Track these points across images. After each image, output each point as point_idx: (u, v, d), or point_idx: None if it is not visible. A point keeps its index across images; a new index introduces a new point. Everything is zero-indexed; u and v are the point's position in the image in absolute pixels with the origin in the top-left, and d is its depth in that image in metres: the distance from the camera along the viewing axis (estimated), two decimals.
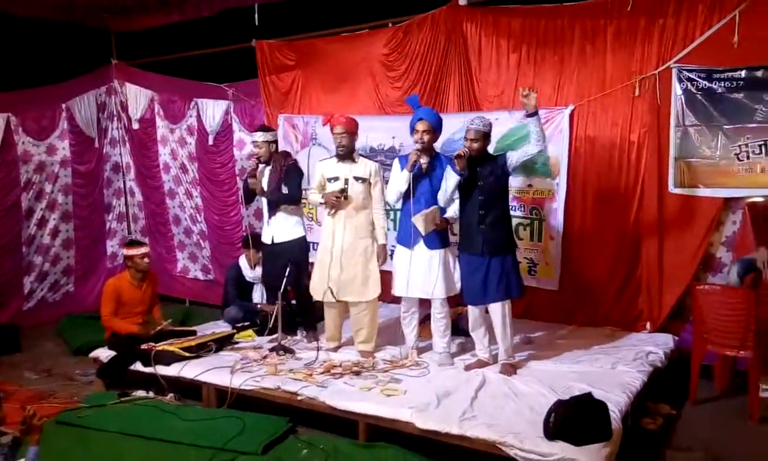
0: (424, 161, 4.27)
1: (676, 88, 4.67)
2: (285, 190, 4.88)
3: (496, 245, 4.07)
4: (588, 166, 5.05)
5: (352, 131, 4.58)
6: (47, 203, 6.89)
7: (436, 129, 4.34)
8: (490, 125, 4.14)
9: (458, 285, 4.41)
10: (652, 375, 4.18)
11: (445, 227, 4.38)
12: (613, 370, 4.14)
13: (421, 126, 4.27)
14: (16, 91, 6.52)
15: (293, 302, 5.27)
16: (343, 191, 4.48)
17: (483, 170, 4.11)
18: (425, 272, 4.33)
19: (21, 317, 6.58)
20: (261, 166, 4.97)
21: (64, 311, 6.85)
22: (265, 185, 4.94)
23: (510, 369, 4.12)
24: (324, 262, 4.64)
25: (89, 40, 7.20)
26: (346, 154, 4.59)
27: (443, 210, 4.35)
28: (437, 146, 5.33)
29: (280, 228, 4.94)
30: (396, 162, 4.51)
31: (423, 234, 4.27)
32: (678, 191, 4.73)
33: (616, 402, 3.54)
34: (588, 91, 5.01)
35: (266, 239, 5.02)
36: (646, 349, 4.48)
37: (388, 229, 4.92)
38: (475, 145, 4.06)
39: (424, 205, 4.29)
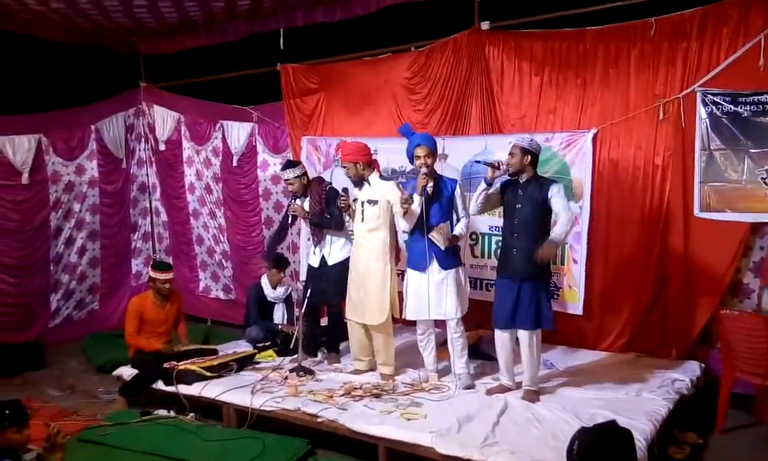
0: (429, 185, 4.28)
1: (701, 112, 4.63)
2: (328, 216, 4.94)
3: (528, 272, 4.00)
4: (612, 189, 5.01)
5: (351, 160, 4.62)
6: (75, 222, 7.03)
7: (435, 152, 4.39)
8: (532, 142, 4.08)
9: (467, 304, 4.41)
10: (679, 403, 4.10)
11: (455, 243, 4.36)
12: (638, 397, 4.07)
13: (421, 151, 4.32)
14: (48, 112, 6.69)
15: (323, 321, 5.27)
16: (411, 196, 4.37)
17: (524, 193, 4.09)
18: (437, 293, 4.33)
19: (47, 335, 6.67)
20: (299, 200, 5.02)
21: (89, 329, 6.94)
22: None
23: (533, 396, 4.07)
24: (350, 282, 4.70)
25: (118, 63, 7.38)
26: (357, 181, 4.65)
27: (452, 227, 4.37)
28: (457, 168, 5.40)
29: (330, 251, 4.98)
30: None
31: (442, 248, 4.26)
32: (704, 215, 4.67)
33: (641, 430, 3.48)
34: (611, 115, 4.99)
35: (314, 262, 5.04)
36: (672, 376, 4.40)
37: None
38: (512, 160, 4.06)
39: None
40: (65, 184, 6.92)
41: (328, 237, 4.99)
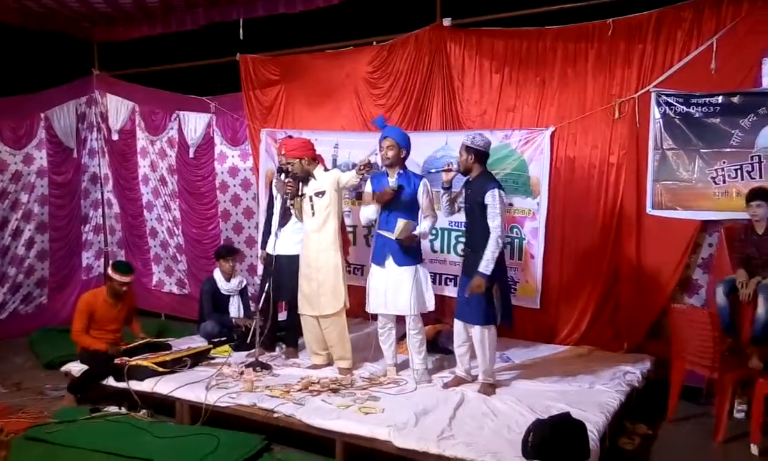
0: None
1: (655, 112, 4.75)
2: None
3: (473, 270, 4.00)
4: (568, 186, 5.10)
5: (294, 156, 4.59)
6: (23, 213, 6.78)
7: (401, 145, 4.36)
8: (475, 139, 4.07)
9: (431, 302, 4.41)
10: (630, 395, 4.20)
11: (413, 241, 4.35)
12: (591, 389, 4.15)
13: (385, 143, 4.35)
14: None
15: (280, 316, 5.21)
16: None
17: (468, 191, 4.14)
18: (396, 289, 4.32)
19: None
20: (282, 176, 4.81)
21: (37, 323, 6.71)
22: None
23: (489, 389, 4.10)
24: (302, 277, 4.67)
25: (71, 49, 7.14)
26: (303, 177, 4.62)
27: (415, 226, 4.36)
28: (418, 163, 5.42)
29: (284, 241, 4.90)
30: (368, 182, 4.51)
31: (393, 237, 4.24)
32: (656, 212, 4.80)
33: (594, 421, 3.54)
34: (569, 113, 5.07)
35: (270, 249, 4.97)
36: (623, 369, 4.50)
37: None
38: (459, 159, 4.12)
39: (394, 222, 4.26)
40: (12, 173, 6.66)
41: (288, 227, 4.93)
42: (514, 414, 3.73)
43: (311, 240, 4.63)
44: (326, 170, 4.83)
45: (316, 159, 4.72)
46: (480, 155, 4.09)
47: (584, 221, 5.07)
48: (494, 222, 3.95)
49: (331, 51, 6.10)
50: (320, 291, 4.57)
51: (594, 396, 4.00)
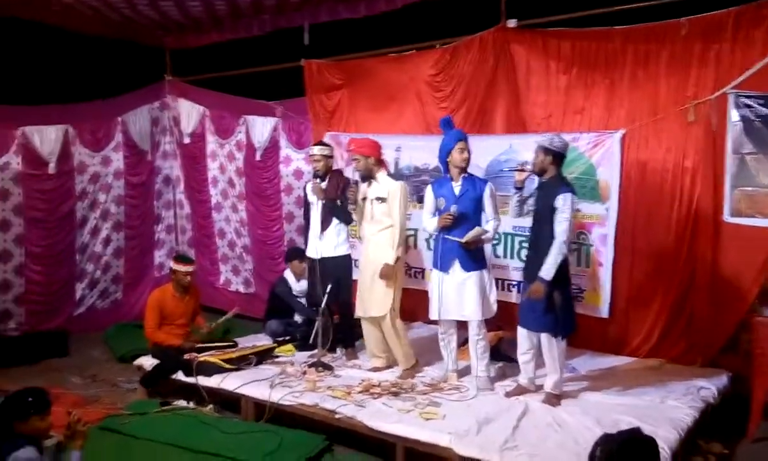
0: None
1: (733, 115, 4.51)
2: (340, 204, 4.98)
3: (536, 277, 3.93)
4: (639, 191, 4.92)
5: (362, 154, 4.62)
6: (100, 212, 7.11)
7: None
8: (552, 140, 3.98)
9: (494, 307, 4.37)
10: (704, 412, 4.01)
11: (478, 245, 4.29)
12: (663, 404, 3.99)
13: (465, 145, 4.29)
14: (76, 103, 6.77)
15: (335, 318, 5.28)
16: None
17: (539, 193, 4.06)
18: (459, 294, 4.29)
19: (71, 323, 6.76)
20: (318, 180, 5.02)
21: (112, 318, 7.03)
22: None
23: (554, 400, 4.00)
24: (359, 279, 4.74)
25: (145, 56, 7.44)
26: (365, 176, 4.66)
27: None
28: (481, 166, 5.35)
29: (328, 244, 4.99)
30: (429, 189, 4.49)
31: (462, 242, 4.19)
32: (734, 220, 4.56)
33: (665, 438, 3.40)
34: (640, 116, 4.89)
35: (313, 253, 5.05)
36: (697, 384, 4.30)
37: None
38: (534, 160, 4.04)
39: (459, 228, 4.23)
40: (91, 175, 7.00)
41: (330, 230, 4.99)
42: (580, 426, 3.63)
43: (370, 243, 4.68)
44: (389, 175, 4.82)
45: (381, 162, 4.74)
46: (558, 156, 4.00)
47: (656, 227, 4.88)
48: (560, 227, 3.86)
49: (394, 55, 6.11)
50: (371, 294, 4.61)
51: (666, 412, 3.84)
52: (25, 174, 6.42)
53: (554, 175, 4.03)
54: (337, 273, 4.96)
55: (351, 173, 5.47)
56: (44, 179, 6.58)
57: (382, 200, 4.60)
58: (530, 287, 3.89)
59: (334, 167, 5.42)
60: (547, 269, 3.84)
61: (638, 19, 4.89)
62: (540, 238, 4.01)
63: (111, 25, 6.86)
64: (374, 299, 4.61)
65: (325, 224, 5.01)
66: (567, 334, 4.04)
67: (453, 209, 4.23)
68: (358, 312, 4.75)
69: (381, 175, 4.69)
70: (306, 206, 5.35)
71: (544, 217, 3.98)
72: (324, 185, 5.03)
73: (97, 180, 7.06)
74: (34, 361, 5.78)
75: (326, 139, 6.39)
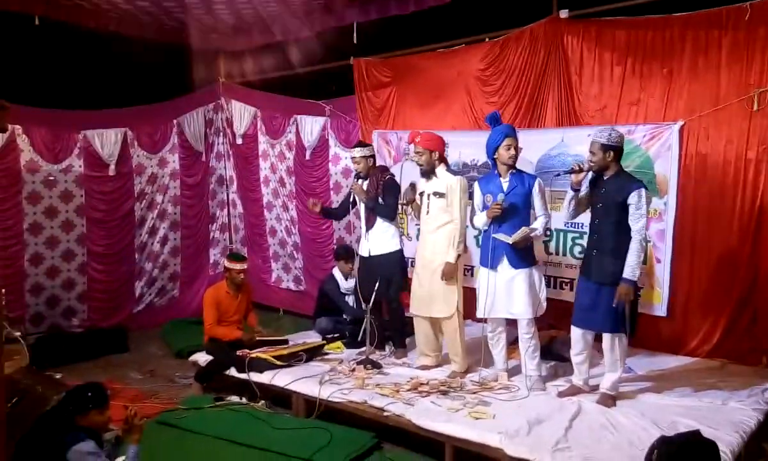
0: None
1: None
2: (382, 203, 4.97)
3: (607, 276, 3.82)
4: (699, 185, 4.72)
5: (428, 148, 4.55)
6: (158, 212, 7.34)
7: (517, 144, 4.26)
8: (611, 136, 3.84)
9: (545, 305, 4.27)
10: None
11: (527, 242, 4.20)
12: (724, 406, 3.82)
13: (512, 142, 4.18)
14: (133, 107, 7.02)
15: (385, 316, 5.28)
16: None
17: (604, 191, 3.88)
18: (508, 292, 4.21)
19: (131, 320, 7.01)
20: (360, 180, 5.06)
21: (169, 315, 7.25)
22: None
23: (609, 401, 3.88)
24: (415, 276, 4.69)
25: (199, 59, 7.62)
26: (426, 170, 4.59)
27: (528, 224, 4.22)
28: (531, 161, 5.25)
29: (377, 241, 5.01)
30: (477, 186, 4.42)
31: (510, 242, 4.12)
32: None
33: (727, 442, 3.26)
34: (700, 106, 4.69)
35: (363, 252, 5.08)
36: (762, 385, 4.10)
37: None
38: (594, 159, 3.88)
39: (507, 224, 4.16)
40: (149, 176, 7.23)
41: (376, 227, 4.99)
42: (637, 428, 3.51)
43: (427, 241, 4.62)
44: (449, 169, 4.70)
45: (444, 158, 4.67)
46: (618, 151, 3.87)
47: (718, 222, 4.67)
48: (638, 224, 3.76)
49: (442, 50, 6.06)
50: (432, 294, 4.55)
51: (727, 414, 3.68)
52: (86, 176, 6.71)
53: (617, 170, 3.90)
54: (388, 270, 4.95)
55: (399, 171, 5.44)
56: (105, 181, 6.84)
57: (440, 195, 4.52)
58: (618, 291, 3.74)
59: (380, 164, 5.42)
60: (632, 270, 3.74)
61: (698, 6, 4.69)
62: (603, 236, 3.87)
63: (166, 30, 7.07)
64: (437, 299, 4.53)
65: (369, 222, 5.02)
66: (634, 333, 3.91)
67: (500, 197, 4.16)
68: (419, 311, 4.68)
69: (440, 169, 4.61)
70: (347, 196, 5.34)
71: (609, 214, 3.84)
72: (365, 185, 5.04)
73: (155, 181, 7.29)
74: (96, 357, 6.01)
75: (374, 136, 6.42)
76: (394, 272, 5.00)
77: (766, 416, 3.76)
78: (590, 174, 3.99)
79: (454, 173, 4.58)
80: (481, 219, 4.33)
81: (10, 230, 6.30)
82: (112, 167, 6.84)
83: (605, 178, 3.90)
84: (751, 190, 4.54)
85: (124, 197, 7.04)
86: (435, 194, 4.54)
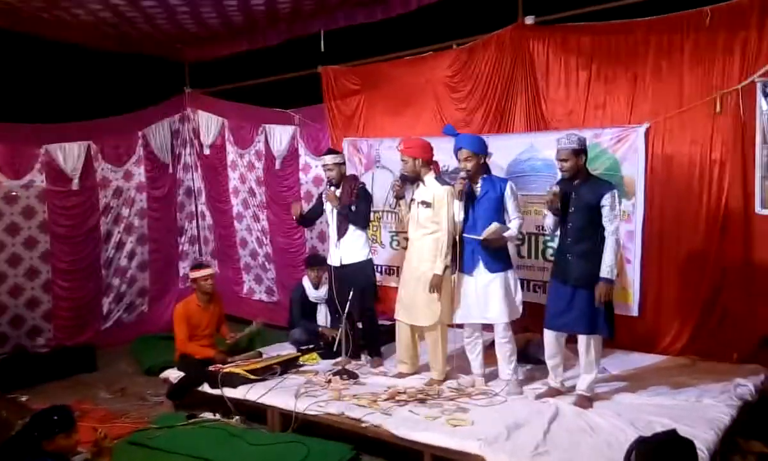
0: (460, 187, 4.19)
1: (762, 104, 4.38)
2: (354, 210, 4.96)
3: (584, 279, 3.86)
4: (666, 186, 4.81)
5: (410, 155, 4.52)
6: (124, 226, 7.17)
7: (478, 153, 4.27)
8: (580, 140, 3.91)
9: (520, 308, 4.30)
10: (742, 410, 3.88)
11: (501, 243, 4.22)
12: (699, 404, 3.88)
13: (461, 155, 4.25)
14: (97, 120, 6.85)
15: (359, 325, 5.24)
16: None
17: (576, 195, 3.93)
18: (484, 296, 4.22)
19: (99, 338, 6.82)
20: (332, 188, 5.03)
21: (138, 331, 7.08)
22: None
23: (586, 402, 3.91)
24: (401, 283, 4.69)
25: (164, 70, 7.52)
26: (412, 178, 4.57)
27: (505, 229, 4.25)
28: (502, 166, 5.28)
29: (348, 250, 4.97)
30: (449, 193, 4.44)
31: (480, 239, 4.14)
32: (765, 212, 4.42)
33: (703, 439, 3.30)
34: (664, 109, 4.78)
35: (334, 261, 5.03)
36: (734, 381, 4.16)
37: None
38: (566, 165, 3.91)
39: (481, 229, 4.19)
40: (114, 189, 7.07)
41: (347, 236, 4.97)
42: (614, 429, 3.53)
43: (414, 248, 4.58)
44: (439, 178, 4.60)
45: (430, 165, 4.59)
46: (586, 154, 3.95)
47: (685, 222, 4.76)
48: (613, 224, 3.83)
49: (411, 57, 6.07)
50: (416, 302, 4.52)
51: (702, 412, 3.73)
52: (49, 191, 6.52)
53: (587, 174, 3.97)
54: (361, 279, 4.92)
55: (370, 179, 5.43)
56: (68, 196, 6.66)
57: (427, 204, 4.46)
58: (598, 291, 3.80)
59: (350, 172, 5.40)
60: (611, 269, 3.81)
61: (660, 10, 4.78)
62: (578, 238, 3.92)
63: (130, 40, 6.94)
64: (420, 307, 4.50)
65: (341, 231, 4.99)
66: (612, 332, 3.95)
67: (462, 173, 4.23)
68: (402, 317, 4.64)
69: (428, 178, 4.53)
70: (319, 201, 5.32)
71: (584, 217, 3.89)
72: (338, 192, 5.01)
73: (120, 194, 7.13)
74: (63, 377, 5.83)
75: (344, 144, 6.40)
76: (367, 281, 4.98)
77: (740, 411, 3.83)
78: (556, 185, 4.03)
79: (444, 182, 4.50)
80: (456, 210, 4.32)
81: None
82: (76, 181, 6.67)
83: (575, 183, 3.94)
84: (716, 190, 4.63)
85: (89, 212, 6.86)
86: (422, 203, 4.50)
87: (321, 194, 5.32)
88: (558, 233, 4.16)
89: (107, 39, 6.78)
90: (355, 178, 5.22)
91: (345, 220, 4.97)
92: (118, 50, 6.90)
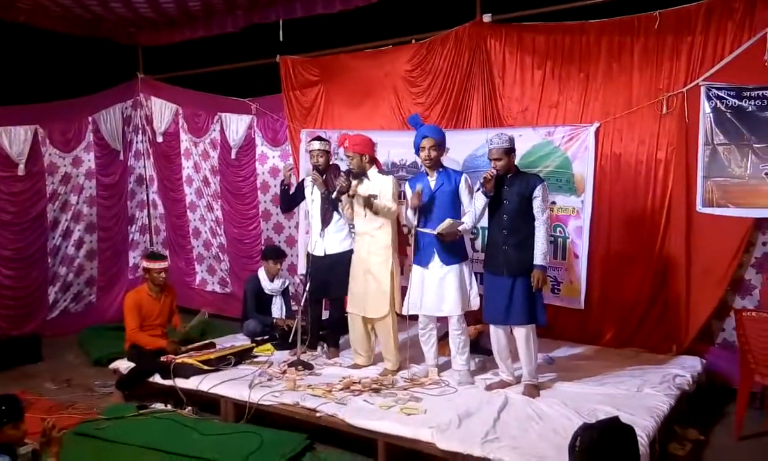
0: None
1: (705, 106, 4.58)
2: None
3: (521, 267, 3.99)
4: (614, 184, 4.98)
5: (357, 152, 4.56)
6: (72, 214, 6.97)
7: (440, 144, 4.36)
8: (510, 139, 4.06)
9: (475, 301, 4.38)
10: (680, 399, 4.07)
11: (456, 237, 4.28)
12: (640, 393, 4.04)
13: (427, 143, 4.30)
14: (45, 103, 6.62)
15: (324, 314, 5.23)
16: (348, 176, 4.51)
17: (510, 189, 4.07)
18: (439, 289, 4.30)
19: (44, 328, 6.63)
20: (317, 174, 4.99)
21: (87, 321, 6.91)
22: (318, 196, 4.97)
23: (533, 391, 4.04)
24: (351, 276, 4.71)
25: (116, 54, 7.32)
26: (358, 174, 4.60)
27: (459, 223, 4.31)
28: (458, 161, 5.37)
29: (332, 240, 4.96)
30: (407, 186, 4.50)
31: (435, 233, 4.20)
32: (707, 210, 4.63)
33: (643, 426, 3.45)
34: (614, 109, 4.95)
35: (317, 251, 4.99)
36: (672, 372, 4.36)
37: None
38: (500, 163, 4.02)
39: (437, 222, 4.25)
40: (62, 175, 6.86)
41: (332, 225, 4.96)
42: (560, 417, 3.66)
43: (363, 242, 4.62)
44: (381, 171, 4.71)
45: (374, 160, 4.67)
46: (513, 150, 4.09)
47: (631, 219, 4.94)
48: (545, 214, 4.02)
49: (370, 50, 6.09)
50: (367, 294, 4.56)
51: (642, 400, 3.89)
52: None
53: (516, 169, 4.14)
54: (341, 269, 4.84)
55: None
56: (13, 181, 6.43)
57: (373, 197, 4.50)
58: (534, 277, 3.95)
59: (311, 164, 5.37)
60: (544, 256, 3.99)
61: (612, 13, 4.95)
62: (516, 230, 4.04)
63: (81, 22, 6.73)
64: (371, 299, 4.54)
65: (326, 220, 4.96)
66: (540, 323, 4.09)
67: (418, 187, 4.30)
68: (355, 309, 4.68)
69: (372, 172, 4.60)
70: (297, 191, 5.25)
71: (519, 209, 4.03)
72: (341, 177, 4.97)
73: (69, 181, 6.92)
74: (8, 367, 5.64)
75: (302, 135, 6.37)
76: (345, 271, 4.95)
77: (677, 400, 4.01)
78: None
79: (386, 173, 4.59)
80: (409, 213, 4.40)
81: None
82: (22, 166, 6.44)
83: (508, 177, 4.08)
84: (661, 188, 4.83)
85: (35, 198, 6.64)
86: (369, 196, 4.54)
87: (302, 181, 5.26)
88: (487, 226, 4.29)
89: (57, 20, 6.56)
90: (337, 167, 5.19)
91: (330, 208, 4.94)
92: (68, 32, 6.68)
